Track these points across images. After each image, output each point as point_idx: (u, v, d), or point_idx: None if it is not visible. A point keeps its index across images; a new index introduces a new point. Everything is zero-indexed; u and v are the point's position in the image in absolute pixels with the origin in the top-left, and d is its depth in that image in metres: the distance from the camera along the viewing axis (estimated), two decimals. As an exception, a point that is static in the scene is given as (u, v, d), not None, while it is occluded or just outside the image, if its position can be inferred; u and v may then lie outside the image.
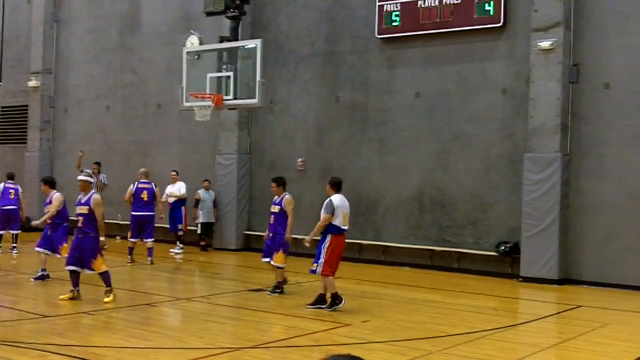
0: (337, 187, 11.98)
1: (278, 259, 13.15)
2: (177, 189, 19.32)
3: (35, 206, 24.25)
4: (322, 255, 11.73)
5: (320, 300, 11.93)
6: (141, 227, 16.89)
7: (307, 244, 12.04)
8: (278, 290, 13.31)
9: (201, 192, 19.82)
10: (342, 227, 11.80)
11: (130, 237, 16.96)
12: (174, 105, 20.05)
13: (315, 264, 11.80)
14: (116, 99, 23.31)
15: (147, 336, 9.84)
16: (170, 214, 19.04)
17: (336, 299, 11.81)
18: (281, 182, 13.26)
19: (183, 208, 19.40)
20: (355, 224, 18.22)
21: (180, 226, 19.27)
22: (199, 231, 19.90)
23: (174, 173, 19.59)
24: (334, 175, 12.87)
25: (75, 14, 24.55)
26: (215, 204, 20.06)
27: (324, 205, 11.82)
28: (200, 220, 19.78)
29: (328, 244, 11.75)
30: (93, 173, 20.06)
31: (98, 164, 20.09)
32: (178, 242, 19.24)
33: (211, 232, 20.29)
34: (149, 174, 17.39)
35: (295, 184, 19.41)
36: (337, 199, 11.82)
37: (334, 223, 11.71)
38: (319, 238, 12.00)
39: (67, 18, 24.76)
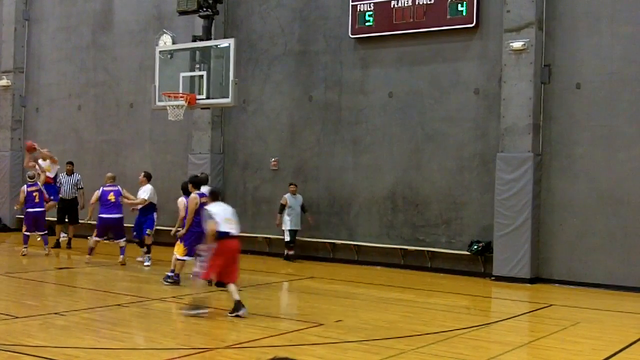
0: (215, 196, 11.72)
1: (177, 250, 13.72)
2: (143, 193, 16.91)
3: (6, 206, 24.07)
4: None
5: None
6: (109, 229, 16.60)
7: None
8: (170, 281, 13.67)
9: (287, 197, 18.16)
10: (226, 231, 11.22)
11: (95, 236, 16.48)
12: (147, 104, 19.98)
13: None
14: (88, 98, 23.14)
15: (120, 337, 9.78)
16: (140, 219, 16.99)
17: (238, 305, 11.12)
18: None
19: (155, 214, 17.10)
20: (329, 224, 18.30)
21: (149, 231, 16.92)
22: (287, 239, 18.21)
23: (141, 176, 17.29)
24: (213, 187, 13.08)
25: (46, 13, 24.33)
26: (304, 208, 18.31)
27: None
28: (287, 227, 18.12)
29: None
30: (67, 173, 19.92)
31: (71, 163, 19.91)
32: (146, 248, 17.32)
33: (294, 241, 18.38)
34: (115, 178, 17.08)
35: (269, 184, 19.42)
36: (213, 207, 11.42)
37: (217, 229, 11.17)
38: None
39: (38, 16, 24.54)
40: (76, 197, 19.77)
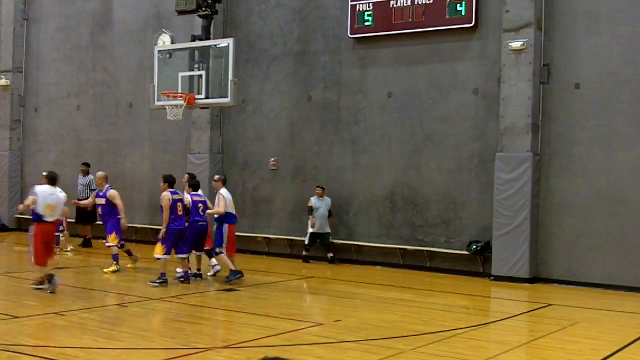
0: (51, 180, 12.79)
1: (155, 249, 13.91)
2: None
3: (5, 206, 24.07)
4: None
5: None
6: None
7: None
8: (158, 281, 13.74)
9: (313, 200, 17.90)
10: (40, 215, 12.42)
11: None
12: (146, 104, 19.97)
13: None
14: (87, 98, 23.13)
15: (119, 337, 9.78)
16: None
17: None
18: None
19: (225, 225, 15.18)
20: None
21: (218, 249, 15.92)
22: (306, 242, 18.05)
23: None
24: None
25: (45, 12, 24.32)
26: (329, 212, 17.98)
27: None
28: (309, 229, 17.92)
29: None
30: (83, 174, 19.88)
31: (87, 164, 19.77)
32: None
33: (329, 244, 18.01)
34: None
35: (268, 184, 19.41)
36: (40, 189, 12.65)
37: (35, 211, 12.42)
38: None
39: (37, 16, 24.53)
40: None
